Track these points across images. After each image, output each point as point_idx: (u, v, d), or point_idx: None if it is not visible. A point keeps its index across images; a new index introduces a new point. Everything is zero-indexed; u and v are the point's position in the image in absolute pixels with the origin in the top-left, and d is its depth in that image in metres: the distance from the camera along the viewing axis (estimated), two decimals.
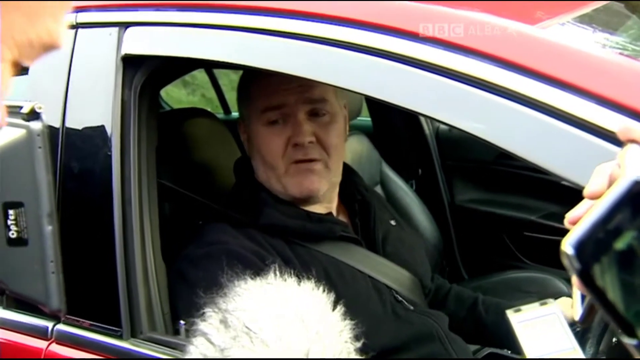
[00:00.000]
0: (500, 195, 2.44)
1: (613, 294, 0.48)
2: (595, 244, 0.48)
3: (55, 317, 1.35)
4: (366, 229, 1.51)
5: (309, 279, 0.82)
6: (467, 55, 1.02)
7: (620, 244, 0.48)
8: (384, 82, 1.10)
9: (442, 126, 2.48)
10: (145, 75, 1.30)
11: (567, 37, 1.20)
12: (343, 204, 1.53)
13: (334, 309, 0.79)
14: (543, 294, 1.75)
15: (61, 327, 1.34)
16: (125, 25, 1.30)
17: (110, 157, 1.28)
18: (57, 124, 1.32)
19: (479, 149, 2.36)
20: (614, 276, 0.48)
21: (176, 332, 1.28)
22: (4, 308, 1.42)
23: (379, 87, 1.12)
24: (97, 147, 1.31)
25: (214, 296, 0.79)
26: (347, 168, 1.55)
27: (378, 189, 2.22)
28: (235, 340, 0.72)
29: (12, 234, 1.24)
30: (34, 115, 1.25)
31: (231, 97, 3.37)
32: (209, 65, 2.95)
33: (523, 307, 1.07)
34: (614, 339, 1.01)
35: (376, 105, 2.50)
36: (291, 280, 0.81)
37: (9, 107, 1.18)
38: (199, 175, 1.66)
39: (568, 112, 0.95)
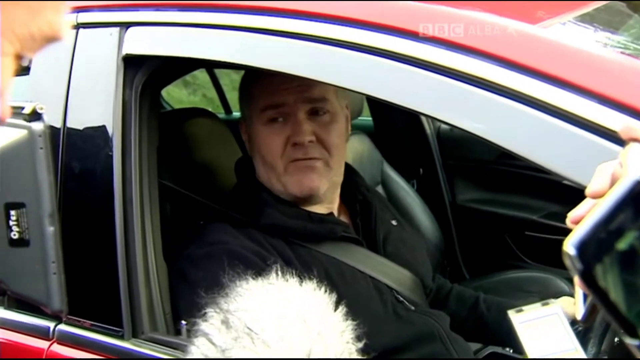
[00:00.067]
0: (502, 195, 2.44)
1: (615, 294, 0.48)
2: (597, 244, 0.47)
3: (56, 318, 1.35)
4: (367, 229, 1.51)
5: (310, 279, 0.82)
6: (468, 54, 1.02)
7: (622, 244, 0.48)
8: (385, 81, 1.10)
9: (444, 126, 2.48)
10: (146, 75, 1.30)
11: (569, 37, 1.20)
12: (344, 204, 1.53)
13: (335, 310, 0.79)
14: (545, 293, 1.75)
15: (63, 327, 1.34)
16: (126, 25, 1.30)
17: (111, 157, 1.28)
18: (58, 124, 1.32)
19: (480, 149, 2.36)
20: (616, 276, 0.48)
21: (177, 333, 1.28)
22: (6, 308, 1.43)
23: (380, 86, 1.11)
24: (98, 148, 1.31)
25: (216, 296, 0.79)
26: (348, 168, 1.54)
27: (379, 189, 2.22)
28: (236, 340, 0.72)
29: (14, 234, 1.24)
30: (35, 116, 1.25)
31: (232, 97, 3.37)
32: (210, 65, 2.95)
33: (525, 308, 1.07)
34: (616, 339, 1.00)
35: (377, 105, 2.50)
36: (293, 281, 0.81)
37: (12, 107, 1.18)
38: (200, 175, 1.66)
39: (570, 111, 0.95)
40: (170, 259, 1.34)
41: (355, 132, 2.17)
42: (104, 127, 1.30)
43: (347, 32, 1.11)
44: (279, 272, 0.82)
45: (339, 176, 1.46)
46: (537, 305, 1.07)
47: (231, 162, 1.56)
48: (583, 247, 0.47)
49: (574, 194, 0.74)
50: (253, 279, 0.82)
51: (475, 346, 1.67)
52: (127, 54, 1.29)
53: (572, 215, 0.59)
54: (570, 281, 1.93)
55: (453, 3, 1.15)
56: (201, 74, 4.37)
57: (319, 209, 1.44)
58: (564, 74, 0.97)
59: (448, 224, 2.45)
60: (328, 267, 1.34)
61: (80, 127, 1.33)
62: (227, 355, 0.72)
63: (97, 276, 1.34)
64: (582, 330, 1.08)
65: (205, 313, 0.78)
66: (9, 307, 1.42)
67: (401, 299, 1.43)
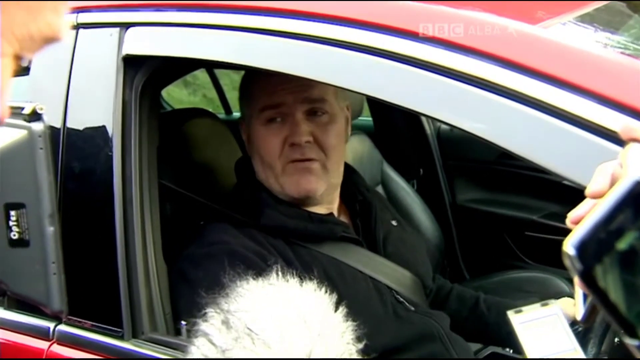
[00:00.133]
0: (502, 195, 2.44)
1: (615, 294, 0.48)
2: (597, 244, 0.47)
3: (56, 318, 1.35)
4: (367, 230, 1.50)
5: (310, 279, 0.82)
6: (468, 54, 1.02)
7: (622, 245, 0.48)
8: (385, 82, 1.10)
9: (444, 126, 2.48)
10: (146, 75, 1.30)
11: (569, 37, 1.20)
12: (344, 204, 1.53)
13: (336, 310, 0.79)
14: (544, 293, 1.75)
15: (62, 327, 1.34)
16: (126, 25, 1.30)
17: (111, 157, 1.28)
18: (58, 124, 1.32)
19: (480, 149, 2.36)
20: (616, 277, 0.48)
21: (177, 333, 1.28)
22: (6, 309, 1.43)
23: (380, 87, 1.11)
24: (98, 148, 1.31)
25: (216, 296, 0.79)
26: (348, 168, 1.54)
27: (379, 189, 2.22)
28: (237, 341, 0.72)
29: (14, 235, 1.24)
30: (35, 116, 1.25)
31: (232, 97, 3.37)
32: (210, 66, 2.95)
33: (524, 308, 1.07)
34: (616, 339, 1.01)
35: (377, 105, 2.50)
36: (293, 281, 0.81)
37: (11, 107, 1.18)
38: (200, 175, 1.66)
39: (569, 111, 0.95)
40: (170, 259, 1.34)
41: (355, 132, 2.17)
42: (104, 127, 1.30)
43: (347, 32, 1.11)
44: (280, 273, 0.82)
45: (337, 178, 1.45)
46: (537, 305, 1.07)
47: (231, 162, 1.56)
48: (583, 247, 0.47)
49: (574, 194, 0.74)
50: (253, 279, 0.82)
51: (475, 346, 1.67)
52: (127, 54, 1.29)
53: (571, 215, 0.59)
54: (570, 281, 1.93)
55: (453, 3, 1.15)
56: (201, 74, 4.37)
57: (318, 209, 1.43)
58: (564, 74, 0.97)
59: (448, 224, 2.45)
60: (328, 267, 1.34)
61: (80, 128, 1.33)
62: (227, 356, 0.72)
63: (97, 276, 1.34)
64: (582, 330, 1.08)
65: (206, 313, 0.78)
66: (8, 307, 1.42)
67: (401, 299, 1.43)
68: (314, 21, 1.14)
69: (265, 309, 0.75)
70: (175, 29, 1.28)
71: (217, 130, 1.77)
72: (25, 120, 1.24)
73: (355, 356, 0.76)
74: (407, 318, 1.39)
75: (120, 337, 1.29)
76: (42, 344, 1.35)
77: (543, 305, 1.06)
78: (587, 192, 0.58)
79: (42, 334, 1.36)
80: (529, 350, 1.00)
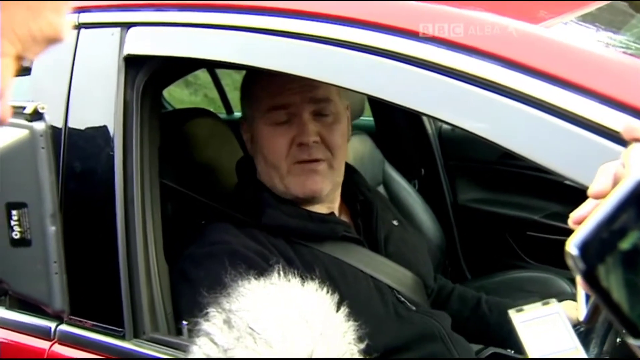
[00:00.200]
0: (503, 195, 2.43)
1: (618, 294, 0.48)
2: (600, 244, 0.47)
3: (58, 318, 1.35)
4: (368, 229, 1.50)
5: (312, 279, 0.82)
6: (469, 54, 1.02)
7: (625, 244, 0.48)
8: (387, 81, 1.10)
9: (445, 126, 2.48)
10: (147, 75, 1.30)
11: (571, 36, 1.20)
12: (345, 204, 1.53)
13: (337, 310, 0.78)
14: (546, 293, 1.74)
15: (64, 327, 1.34)
16: (128, 25, 1.30)
17: (112, 157, 1.28)
18: (59, 124, 1.32)
19: (481, 149, 2.36)
20: (619, 276, 0.48)
21: (179, 333, 1.28)
22: (7, 308, 1.43)
23: (381, 86, 1.11)
24: (99, 148, 1.31)
25: (217, 296, 0.79)
26: (349, 168, 1.54)
27: (381, 189, 2.22)
28: (238, 340, 0.72)
29: (16, 234, 1.24)
30: (36, 115, 1.25)
31: (233, 97, 3.37)
32: (211, 65, 2.95)
33: (525, 307, 1.07)
34: (618, 340, 1.00)
35: (379, 105, 2.50)
36: (295, 281, 0.81)
37: (13, 107, 1.18)
38: (201, 175, 1.66)
39: (571, 111, 0.94)
40: (171, 259, 1.34)
41: (356, 132, 2.17)
42: (105, 127, 1.30)
43: (348, 31, 1.11)
44: (281, 272, 0.82)
45: (340, 176, 1.46)
46: (538, 304, 1.07)
47: (232, 162, 1.56)
48: (586, 247, 0.47)
49: (576, 194, 0.73)
50: (255, 278, 0.82)
51: (476, 347, 1.67)
52: (128, 54, 1.29)
53: (574, 215, 0.59)
54: (572, 281, 1.93)
55: (455, 3, 1.15)
56: (203, 74, 4.37)
57: (320, 208, 1.44)
58: (566, 73, 0.97)
59: (449, 224, 2.45)
60: (329, 267, 1.34)
61: (82, 127, 1.33)
62: (229, 355, 0.72)
63: (98, 276, 1.34)
64: (584, 331, 1.08)
65: (207, 313, 0.78)
66: (10, 307, 1.42)
67: (402, 299, 1.43)
68: (315, 21, 1.14)
69: (267, 309, 0.75)
70: (177, 29, 1.28)
71: (219, 130, 1.77)
72: (26, 119, 1.24)
73: (356, 356, 0.76)
74: (408, 318, 1.39)
75: (122, 337, 1.29)
76: (43, 344, 1.36)
77: (544, 304, 1.06)
78: (589, 192, 0.58)
79: (44, 334, 1.36)
80: (530, 349, 1.00)
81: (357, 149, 2.15)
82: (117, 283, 1.28)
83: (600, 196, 0.56)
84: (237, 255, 1.25)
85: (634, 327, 0.48)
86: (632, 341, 0.48)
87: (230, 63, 1.37)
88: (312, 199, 1.41)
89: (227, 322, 0.75)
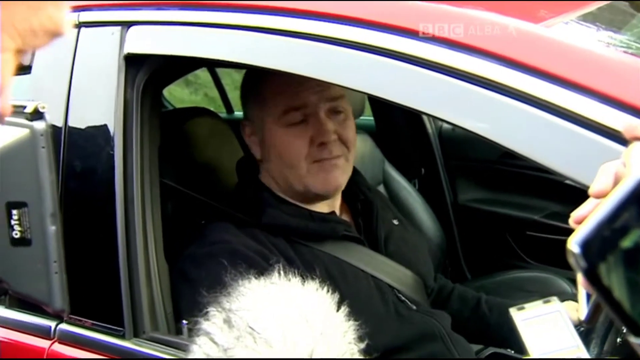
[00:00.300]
0: (504, 195, 2.43)
1: (619, 292, 0.48)
2: (601, 242, 0.47)
3: (58, 317, 1.35)
4: (369, 229, 1.50)
5: (312, 278, 0.82)
6: (470, 53, 1.02)
7: (626, 243, 0.48)
8: (387, 80, 1.10)
9: (445, 125, 2.48)
10: (147, 74, 1.30)
11: (571, 36, 1.20)
12: (346, 203, 1.53)
13: (338, 310, 0.78)
14: (546, 293, 1.73)
15: (64, 326, 1.34)
16: (128, 24, 1.30)
17: (112, 156, 1.28)
18: (59, 123, 1.32)
19: (482, 148, 2.36)
20: (620, 275, 0.48)
21: (178, 332, 1.28)
22: (7, 307, 1.43)
23: (382, 85, 1.11)
24: (99, 147, 1.31)
25: (218, 295, 0.79)
26: None
27: (381, 189, 2.22)
28: (238, 340, 0.72)
29: (16, 234, 1.24)
30: (37, 114, 1.25)
31: (234, 96, 3.37)
32: (211, 65, 2.95)
33: (526, 305, 1.07)
34: (618, 340, 1.00)
35: (379, 105, 2.50)
36: (295, 280, 0.81)
37: (13, 106, 1.18)
38: (202, 174, 1.66)
39: (572, 110, 0.94)
40: (171, 258, 1.34)
41: (356, 132, 2.16)
42: (105, 126, 1.30)
43: (348, 31, 1.11)
44: (281, 272, 0.82)
45: (351, 171, 1.47)
46: (539, 302, 1.06)
47: (232, 162, 1.55)
48: (587, 245, 0.47)
49: (576, 194, 0.73)
50: (255, 278, 0.82)
51: (476, 347, 1.67)
52: (128, 53, 1.29)
53: (575, 215, 0.59)
54: (572, 281, 1.93)
55: (456, 2, 1.15)
56: (203, 74, 4.37)
57: (322, 207, 1.44)
58: (567, 73, 0.97)
59: (450, 223, 2.45)
60: (330, 266, 1.34)
61: (82, 126, 1.33)
62: (229, 355, 0.72)
63: (98, 275, 1.34)
64: (584, 330, 1.08)
65: (207, 312, 0.78)
66: (10, 306, 1.42)
67: (403, 298, 1.43)
68: (315, 20, 1.14)
69: (267, 308, 0.75)
70: (177, 28, 1.28)
71: (219, 130, 1.77)
72: (27, 119, 1.24)
73: (357, 356, 0.76)
74: (408, 317, 1.39)
75: (122, 336, 1.29)
76: (43, 343, 1.35)
77: (545, 302, 1.05)
78: (590, 191, 0.58)
79: (44, 333, 1.36)
80: (531, 348, 1.00)
81: (357, 149, 2.14)
82: (117, 282, 1.28)
83: (601, 196, 0.56)
84: (238, 255, 1.25)
85: (635, 325, 0.48)
86: (633, 339, 0.48)
87: (230, 62, 1.37)
88: (330, 194, 1.42)
89: (227, 321, 0.74)
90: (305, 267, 1.26)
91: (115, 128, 1.28)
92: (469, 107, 1.04)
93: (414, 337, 1.37)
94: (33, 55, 1.32)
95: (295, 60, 1.19)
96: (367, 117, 2.54)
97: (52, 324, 1.35)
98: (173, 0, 1.30)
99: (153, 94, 1.35)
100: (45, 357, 1.35)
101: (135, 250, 1.27)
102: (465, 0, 1.22)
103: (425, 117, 2.50)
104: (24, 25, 0.48)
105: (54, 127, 1.29)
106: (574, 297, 0.98)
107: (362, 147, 2.20)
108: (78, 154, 1.33)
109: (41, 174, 1.25)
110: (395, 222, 1.59)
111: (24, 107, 1.24)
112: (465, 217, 2.47)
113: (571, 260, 0.48)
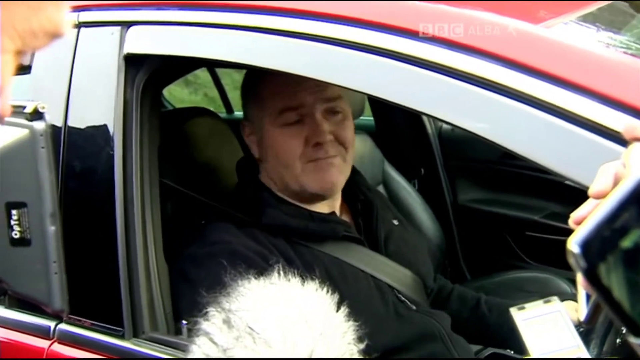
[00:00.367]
0: (503, 195, 2.43)
1: (619, 292, 0.48)
2: (601, 242, 0.47)
3: (57, 317, 1.35)
4: (369, 229, 1.51)
5: (312, 279, 0.82)
6: (470, 54, 1.02)
7: (626, 243, 0.48)
8: (387, 81, 1.10)
9: (445, 125, 2.48)
10: (147, 74, 1.30)
11: (571, 36, 1.20)
12: (346, 203, 1.53)
13: (338, 310, 0.78)
14: (546, 293, 1.73)
15: (63, 326, 1.34)
16: (128, 24, 1.30)
17: (112, 156, 1.28)
18: (59, 123, 1.32)
19: (481, 149, 2.36)
20: (620, 275, 0.48)
21: (178, 332, 1.28)
22: (7, 308, 1.42)
23: (382, 86, 1.11)
24: (99, 147, 1.31)
25: (217, 296, 0.79)
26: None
27: (380, 189, 2.22)
28: (238, 340, 0.72)
29: (15, 234, 1.24)
30: (37, 115, 1.25)
31: (234, 96, 3.37)
32: (211, 65, 2.95)
33: (527, 305, 1.07)
34: (618, 340, 1.00)
35: (379, 105, 2.50)
36: (295, 281, 0.81)
37: (13, 106, 1.18)
38: (201, 174, 1.66)
39: (572, 111, 0.94)
40: (171, 259, 1.34)
41: (356, 132, 2.15)
42: (105, 126, 1.30)
43: (348, 31, 1.11)
44: (281, 272, 0.82)
45: (350, 171, 1.47)
46: (539, 302, 1.06)
47: (232, 162, 1.55)
48: (587, 245, 0.47)
49: (576, 195, 0.73)
50: (255, 278, 0.82)
51: (475, 347, 1.67)
52: (128, 53, 1.29)
53: (574, 215, 0.59)
54: (572, 282, 1.93)
55: (456, 3, 1.15)
56: (203, 74, 4.37)
57: (322, 207, 1.44)
58: (567, 73, 0.97)
59: (449, 224, 2.45)
60: (330, 266, 1.34)
61: (82, 126, 1.33)
62: (228, 355, 0.72)
63: (98, 276, 1.34)
64: (584, 331, 1.08)
65: (207, 312, 0.78)
66: (9, 306, 1.42)
67: (402, 298, 1.43)
68: (315, 20, 1.14)
69: (266, 309, 0.75)
70: (177, 28, 1.28)
71: (219, 130, 1.77)
72: (26, 119, 1.24)
73: (356, 356, 0.76)
74: (408, 317, 1.39)
75: (121, 337, 1.29)
76: (42, 343, 1.35)
77: (546, 302, 1.05)
78: (590, 192, 0.58)
79: (43, 333, 1.36)
80: (531, 347, 1.00)
81: (357, 149, 2.13)
82: (117, 282, 1.27)
83: (600, 196, 0.56)
84: (237, 255, 1.25)
85: (635, 326, 0.48)
86: (633, 340, 0.48)
87: (229, 62, 1.37)
88: (328, 194, 1.42)
89: (227, 321, 0.74)
90: (305, 268, 1.26)
91: (115, 128, 1.28)
92: (469, 107, 1.04)
93: (413, 337, 1.37)
94: (33, 55, 1.32)
95: (294, 61, 1.19)
96: (367, 117, 2.54)
97: (51, 324, 1.35)
98: (173, 0, 1.30)
99: (153, 94, 1.35)
100: (44, 357, 1.34)
101: (135, 250, 1.27)
102: (465, 0, 1.22)
103: (425, 118, 2.50)
104: (24, 26, 0.48)
105: (53, 127, 1.29)
106: (573, 297, 0.98)
107: (361, 147, 2.20)
108: (78, 154, 1.33)
109: (41, 174, 1.25)
110: (395, 222, 1.59)
111: (24, 107, 1.24)
112: (465, 217, 2.47)
113: (571, 261, 0.48)
